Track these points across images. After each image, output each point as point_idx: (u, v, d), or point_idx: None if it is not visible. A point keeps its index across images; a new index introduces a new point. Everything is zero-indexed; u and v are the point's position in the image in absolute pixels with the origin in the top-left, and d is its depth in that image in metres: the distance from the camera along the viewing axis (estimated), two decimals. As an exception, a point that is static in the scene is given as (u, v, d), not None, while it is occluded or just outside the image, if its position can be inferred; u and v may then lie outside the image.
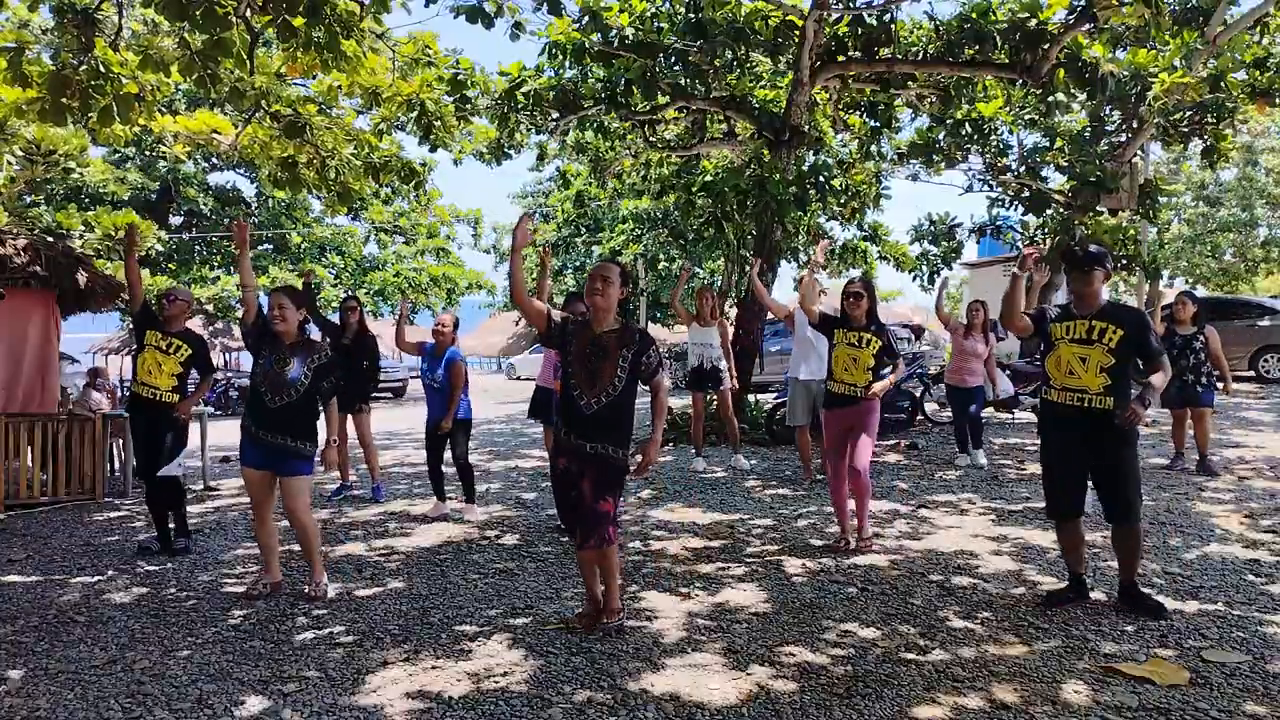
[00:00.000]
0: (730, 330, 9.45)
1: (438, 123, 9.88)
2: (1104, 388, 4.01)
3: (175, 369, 5.76)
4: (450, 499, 6.94)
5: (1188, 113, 11.61)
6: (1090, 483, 4.21)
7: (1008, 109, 12.73)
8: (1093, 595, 4.33)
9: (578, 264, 31.87)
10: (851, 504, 5.43)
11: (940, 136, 12.95)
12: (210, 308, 22.68)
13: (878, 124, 12.29)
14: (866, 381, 5.28)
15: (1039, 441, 4.41)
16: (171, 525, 5.84)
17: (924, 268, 15.30)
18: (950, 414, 11.49)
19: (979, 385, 8.38)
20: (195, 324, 22.30)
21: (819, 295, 7.74)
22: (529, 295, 3.91)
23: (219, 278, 24.33)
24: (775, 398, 10.74)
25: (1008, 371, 10.57)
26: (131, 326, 5.80)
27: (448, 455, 6.76)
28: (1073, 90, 10.82)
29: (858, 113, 12.51)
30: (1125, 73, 11.47)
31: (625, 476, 3.94)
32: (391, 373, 26.32)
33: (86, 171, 12.43)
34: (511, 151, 12.52)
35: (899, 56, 10.48)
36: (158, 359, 5.74)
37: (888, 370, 5.38)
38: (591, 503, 3.84)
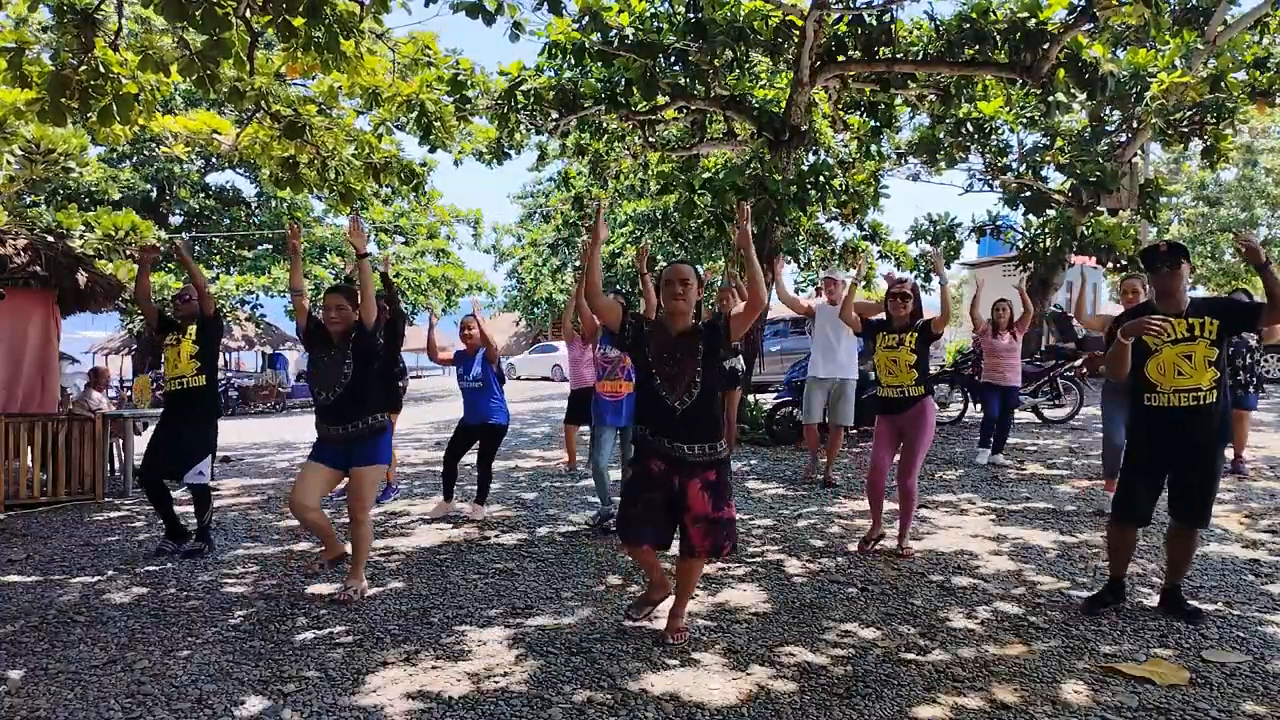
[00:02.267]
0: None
1: (437, 123, 9.89)
2: (1214, 382, 3.94)
3: (191, 349, 5.70)
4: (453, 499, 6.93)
5: (1188, 113, 11.62)
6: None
7: (1008, 109, 12.74)
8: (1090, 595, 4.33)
9: (577, 264, 31.86)
10: (888, 506, 5.40)
11: (941, 136, 12.96)
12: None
13: (878, 124, 12.29)
14: (914, 379, 5.17)
15: (1128, 445, 4.24)
16: (190, 524, 5.83)
17: (922, 266, 15.32)
18: (951, 414, 11.53)
19: (1015, 385, 8.40)
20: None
21: (840, 287, 7.77)
22: (602, 292, 3.94)
23: (218, 277, 24.33)
24: (775, 398, 10.74)
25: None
26: (145, 334, 5.82)
27: (469, 458, 6.76)
28: (1073, 90, 10.83)
29: (858, 113, 12.51)
30: (1125, 73, 11.48)
31: (729, 471, 3.86)
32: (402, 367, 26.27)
33: (84, 171, 12.42)
34: (511, 151, 12.53)
35: (899, 56, 10.48)
36: (175, 351, 5.70)
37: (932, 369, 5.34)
38: (714, 512, 3.71)
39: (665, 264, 4.21)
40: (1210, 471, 4.00)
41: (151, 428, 6.71)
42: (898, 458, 5.40)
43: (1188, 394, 3.97)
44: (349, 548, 4.80)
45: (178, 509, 5.91)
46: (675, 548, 3.92)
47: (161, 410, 5.96)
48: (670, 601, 4.02)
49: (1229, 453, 7.42)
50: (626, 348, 3.94)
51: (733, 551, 3.83)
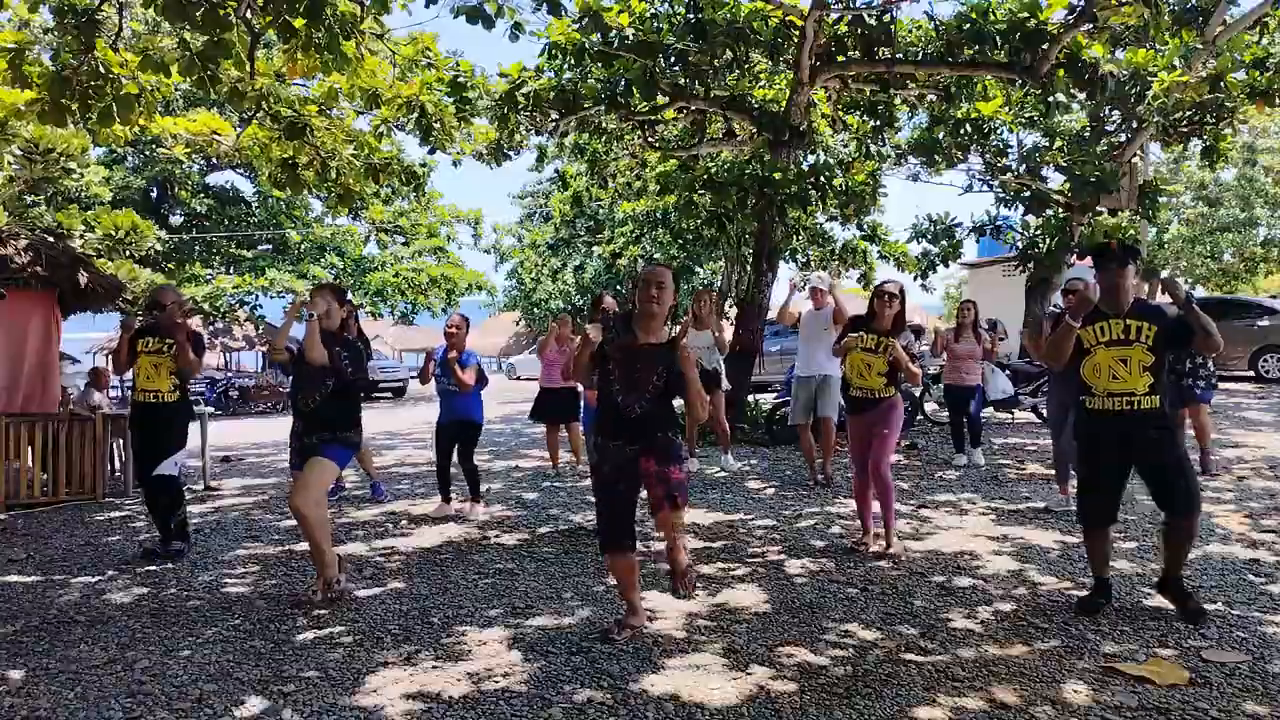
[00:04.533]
0: (729, 331, 9.46)
1: (438, 124, 9.88)
2: (1149, 387, 3.94)
3: (171, 366, 5.69)
4: (452, 498, 6.94)
5: (1187, 113, 11.61)
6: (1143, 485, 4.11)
7: (1008, 109, 12.73)
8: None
9: (577, 264, 31.88)
10: (876, 507, 5.38)
11: (940, 136, 12.94)
12: (207, 306, 22.68)
13: (878, 124, 12.28)
14: (883, 384, 5.19)
15: (1077, 449, 4.24)
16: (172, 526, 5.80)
17: (920, 265, 15.29)
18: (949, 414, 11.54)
19: (976, 384, 8.41)
20: (193, 323, 22.24)
21: (830, 289, 7.76)
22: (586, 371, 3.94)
23: (215, 277, 24.33)
24: (775, 398, 10.74)
25: (1007, 371, 10.57)
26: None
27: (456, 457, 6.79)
28: (1073, 90, 10.82)
29: (857, 113, 12.51)
30: (1125, 73, 11.47)
31: (678, 447, 3.92)
32: (391, 372, 26.37)
33: (84, 173, 12.43)
34: (510, 153, 12.52)
35: (899, 57, 10.48)
36: (154, 361, 5.68)
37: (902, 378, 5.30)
38: (664, 470, 3.79)
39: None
40: (1168, 469, 3.97)
41: None
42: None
43: (1121, 398, 3.98)
44: (343, 550, 4.78)
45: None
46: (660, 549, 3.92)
47: (130, 419, 5.92)
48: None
49: (1194, 453, 7.47)
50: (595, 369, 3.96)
51: (678, 505, 3.83)
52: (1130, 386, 3.96)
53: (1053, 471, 7.76)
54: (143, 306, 6.18)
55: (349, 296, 5.12)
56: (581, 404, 8.10)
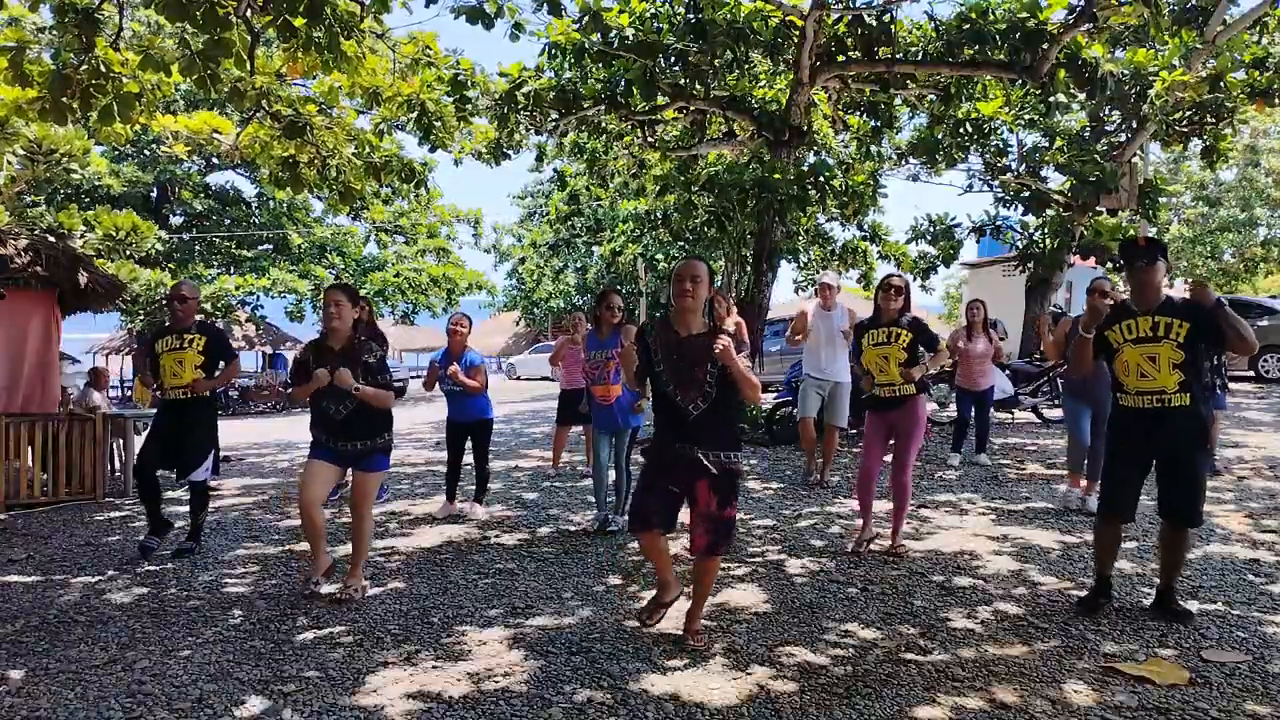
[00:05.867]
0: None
1: (438, 123, 9.88)
2: (1179, 384, 3.87)
3: (197, 359, 5.64)
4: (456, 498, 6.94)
5: (1187, 113, 11.62)
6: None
7: (1008, 109, 12.74)
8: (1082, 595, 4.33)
9: (578, 265, 31.89)
10: (880, 505, 5.37)
11: (940, 136, 12.95)
12: (209, 306, 22.71)
13: (878, 124, 12.29)
14: (902, 379, 5.14)
15: (1106, 445, 4.21)
16: (176, 523, 5.80)
17: (919, 266, 15.30)
18: (952, 414, 11.53)
19: (991, 386, 8.42)
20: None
21: (834, 292, 7.74)
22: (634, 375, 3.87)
23: (216, 277, 24.36)
24: (775, 398, 10.73)
25: (1007, 371, 10.57)
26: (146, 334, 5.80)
27: (467, 457, 6.79)
28: (1073, 90, 10.83)
29: (858, 113, 12.51)
30: (1125, 73, 11.48)
31: (740, 480, 3.82)
32: (392, 373, 26.44)
33: (87, 171, 12.43)
34: (510, 152, 12.53)
35: (899, 57, 10.48)
36: (177, 358, 5.64)
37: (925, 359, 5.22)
38: (718, 511, 3.67)
39: (670, 264, 4.19)
40: (1185, 474, 3.93)
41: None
42: (889, 457, 5.39)
43: (1151, 396, 3.93)
44: (346, 549, 4.79)
45: (175, 508, 5.90)
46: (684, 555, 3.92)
47: (158, 410, 5.90)
48: (682, 604, 4.02)
49: None
50: (644, 372, 3.85)
51: (726, 552, 3.82)
52: (1160, 384, 3.90)
53: (1053, 471, 7.78)
54: (163, 299, 6.16)
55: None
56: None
